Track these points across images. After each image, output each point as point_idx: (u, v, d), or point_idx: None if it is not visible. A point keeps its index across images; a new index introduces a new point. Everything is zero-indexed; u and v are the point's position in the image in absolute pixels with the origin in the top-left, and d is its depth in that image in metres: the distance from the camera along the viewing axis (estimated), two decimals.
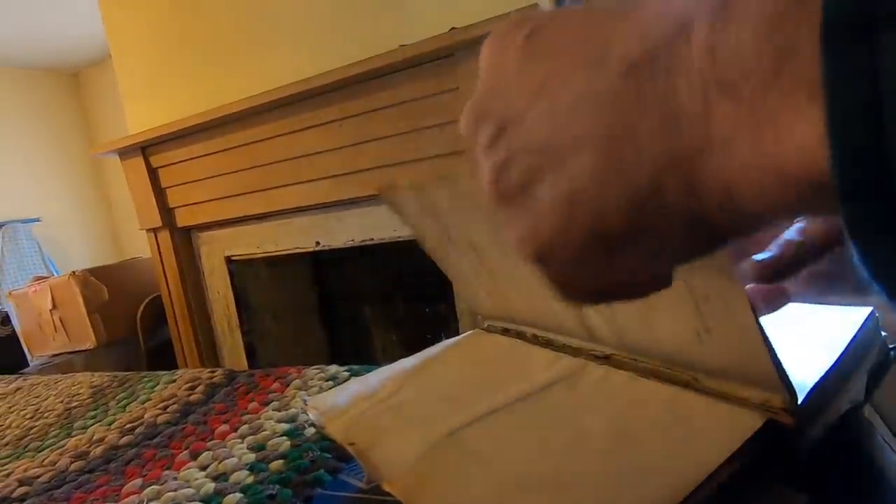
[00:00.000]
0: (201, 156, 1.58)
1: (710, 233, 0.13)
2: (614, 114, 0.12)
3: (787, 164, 0.10)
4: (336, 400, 0.40)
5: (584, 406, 0.29)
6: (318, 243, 1.55)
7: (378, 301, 1.85)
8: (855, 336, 0.30)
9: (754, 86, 0.10)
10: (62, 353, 1.88)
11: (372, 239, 1.45)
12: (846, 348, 0.30)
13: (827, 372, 0.28)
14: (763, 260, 0.25)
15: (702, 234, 0.13)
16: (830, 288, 0.29)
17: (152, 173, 1.68)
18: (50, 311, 1.86)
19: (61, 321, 1.86)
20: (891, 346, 0.36)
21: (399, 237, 1.39)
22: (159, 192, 1.70)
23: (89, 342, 1.82)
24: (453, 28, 1.11)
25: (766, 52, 0.10)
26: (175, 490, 0.38)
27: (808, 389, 0.26)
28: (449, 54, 1.14)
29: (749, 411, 0.24)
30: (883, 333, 0.35)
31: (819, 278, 0.28)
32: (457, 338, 0.46)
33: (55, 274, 2.64)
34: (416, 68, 1.19)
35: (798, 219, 0.25)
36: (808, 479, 0.27)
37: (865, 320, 0.32)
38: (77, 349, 1.85)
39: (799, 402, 0.25)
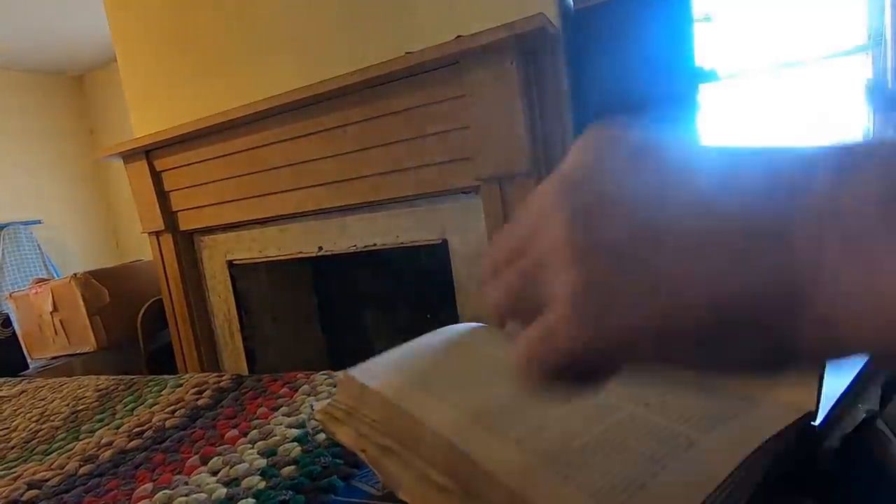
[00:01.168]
0: (205, 160, 1.58)
1: (789, 355, 0.14)
2: (730, 232, 0.13)
3: (889, 301, 0.11)
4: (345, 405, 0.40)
5: (610, 390, 0.29)
6: (320, 248, 1.55)
7: (379, 307, 1.85)
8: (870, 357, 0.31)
9: (870, 231, 0.11)
10: (62, 355, 1.88)
11: (374, 245, 1.45)
12: (861, 369, 0.30)
13: (842, 394, 0.28)
14: None
15: (781, 354, 0.14)
16: None
17: (156, 177, 1.68)
18: (50, 313, 1.85)
19: (62, 323, 1.85)
20: None
21: (402, 243, 1.40)
22: (162, 196, 1.70)
23: (89, 345, 1.81)
24: (459, 36, 1.12)
25: (880, 200, 0.11)
26: (187, 495, 0.38)
27: (825, 410, 0.27)
28: (454, 62, 1.15)
29: (774, 411, 0.24)
30: None
31: None
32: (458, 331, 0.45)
33: (56, 276, 2.63)
34: (421, 76, 1.20)
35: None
36: (824, 488, 0.27)
37: None
38: (77, 352, 1.85)
39: (817, 422, 0.26)
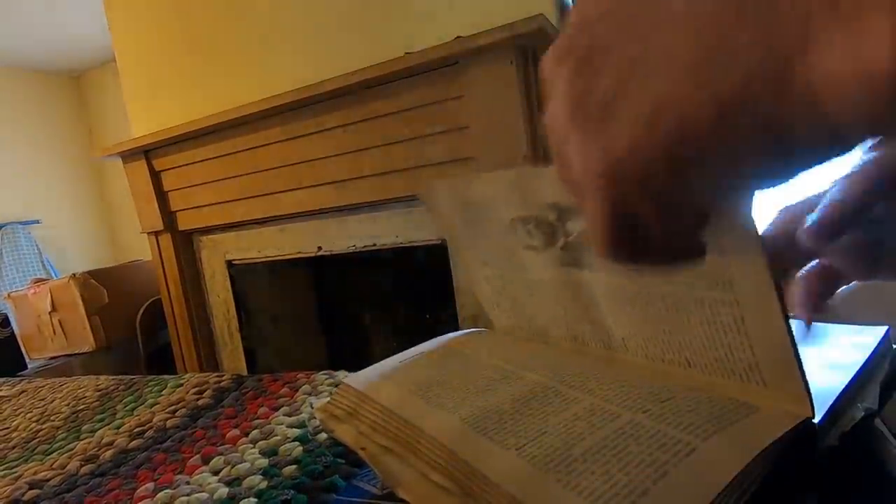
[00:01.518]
0: (204, 160, 1.58)
1: (788, 150, 0.13)
2: (712, 26, 0.13)
3: (873, 66, 0.11)
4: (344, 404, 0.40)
5: (610, 397, 0.29)
6: (319, 248, 1.55)
7: (379, 307, 1.85)
8: (870, 356, 0.31)
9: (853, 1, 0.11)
10: (60, 355, 1.88)
11: (374, 245, 1.45)
12: (861, 368, 0.30)
13: (841, 392, 0.28)
14: (813, 224, 0.25)
15: (778, 150, 0.13)
16: (873, 265, 0.28)
17: (155, 176, 1.68)
18: (49, 313, 1.85)
19: (60, 323, 1.85)
20: None
21: (401, 243, 1.40)
22: (161, 196, 1.70)
23: (88, 345, 1.81)
24: (459, 37, 1.13)
25: None
26: (188, 494, 0.38)
27: (825, 408, 0.27)
28: (454, 62, 1.15)
29: (772, 418, 0.25)
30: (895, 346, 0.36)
31: (860, 253, 0.28)
32: (458, 335, 0.46)
33: (54, 276, 2.63)
34: (421, 76, 1.20)
35: (869, 145, 0.24)
36: (822, 486, 0.27)
37: (881, 340, 0.32)
38: (76, 352, 1.84)
39: (816, 420, 0.26)
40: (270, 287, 1.81)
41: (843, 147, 0.13)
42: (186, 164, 1.62)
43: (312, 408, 0.51)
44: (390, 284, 1.79)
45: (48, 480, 0.45)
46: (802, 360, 0.24)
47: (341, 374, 0.57)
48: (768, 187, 0.16)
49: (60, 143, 3.12)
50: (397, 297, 1.80)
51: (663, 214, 0.16)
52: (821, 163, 0.14)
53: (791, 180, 0.15)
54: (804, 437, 0.25)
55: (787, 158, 0.14)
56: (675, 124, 0.14)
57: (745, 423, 0.25)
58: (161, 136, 1.57)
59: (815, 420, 0.26)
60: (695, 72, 0.13)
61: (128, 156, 1.70)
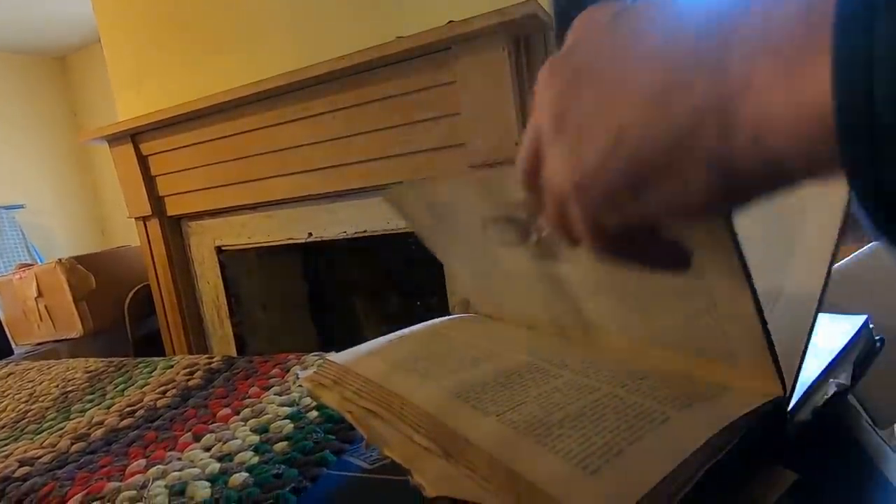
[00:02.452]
0: (193, 144, 1.57)
1: (732, 182, 0.15)
2: (671, 63, 0.15)
3: (813, 105, 0.12)
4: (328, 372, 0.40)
5: (589, 373, 0.30)
6: (309, 235, 1.55)
7: (369, 294, 1.85)
8: (847, 343, 0.33)
9: (793, 47, 0.13)
10: (48, 341, 1.86)
11: (365, 231, 1.45)
12: (838, 354, 0.32)
13: (818, 376, 0.30)
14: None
15: (724, 182, 0.15)
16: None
17: (142, 161, 1.66)
18: (35, 298, 1.83)
19: (47, 309, 1.83)
20: (877, 338, 0.38)
21: (392, 230, 1.40)
22: (149, 180, 1.68)
23: (75, 331, 1.80)
24: (451, 21, 1.12)
25: (802, 22, 0.13)
26: (180, 470, 0.39)
27: (800, 390, 0.28)
28: (446, 48, 1.15)
29: (744, 395, 0.26)
30: (871, 326, 0.37)
31: None
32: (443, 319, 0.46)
33: (39, 261, 2.59)
34: (412, 61, 1.20)
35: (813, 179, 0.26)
36: (797, 458, 0.28)
37: (859, 328, 0.34)
38: (63, 338, 1.83)
39: (792, 400, 0.27)
40: (260, 274, 1.80)
41: (787, 183, 0.15)
42: (174, 149, 1.60)
43: (298, 377, 0.51)
44: (381, 271, 1.80)
45: (39, 458, 0.45)
46: (774, 343, 0.25)
47: (331, 356, 0.57)
48: (720, 213, 0.18)
49: (44, 126, 3.05)
50: (388, 283, 1.80)
51: (629, 226, 0.18)
52: (766, 196, 0.15)
53: (742, 208, 0.17)
54: (775, 413, 0.26)
55: (733, 189, 0.15)
56: (634, 149, 0.16)
57: (719, 399, 0.26)
58: (148, 120, 1.55)
59: (790, 400, 0.27)
60: (653, 104, 0.15)
61: (114, 139, 1.67)
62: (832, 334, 0.35)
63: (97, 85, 2.95)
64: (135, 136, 1.64)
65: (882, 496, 0.28)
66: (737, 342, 0.27)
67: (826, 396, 0.31)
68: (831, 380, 0.32)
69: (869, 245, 0.59)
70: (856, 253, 0.60)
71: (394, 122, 1.27)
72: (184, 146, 1.58)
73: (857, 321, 0.36)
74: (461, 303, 1.28)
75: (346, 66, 1.23)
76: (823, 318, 0.37)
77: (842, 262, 0.60)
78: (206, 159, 1.57)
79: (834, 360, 0.33)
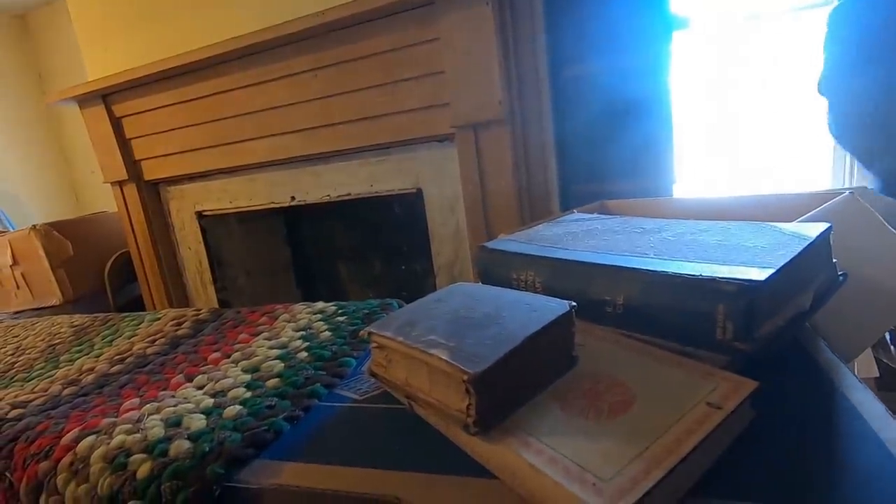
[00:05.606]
0: (169, 105, 1.52)
1: None
2: None
3: None
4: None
5: None
6: (293, 198, 1.53)
7: (354, 258, 1.85)
8: (810, 243, 0.35)
9: None
10: (26, 309, 1.83)
11: (348, 194, 1.44)
12: (804, 248, 0.34)
13: (784, 264, 0.32)
14: None
15: None
16: None
17: (115, 123, 1.61)
18: (10, 266, 1.79)
19: (23, 277, 1.79)
20: (840, 273, 0.40)
21: (376, 192, 1.39)
22: (124, 144, 1.63)
23: (55, 298, 1.77)
24: None
25: None
26: (175, 405, 0.40)
27: (769, 274, 0.30)
28: (428, 3, 1.12)
29: None
30: (834, 260, 0.40)
31: None
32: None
33: (10, 228, 2.52)
34: (395, 17, 1.17)
35: None
36: (758, 369, 0.30)
37: (821, 233, 0.36)
38: (42, 305, 1.80)
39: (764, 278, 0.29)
40: (244, 239, 1.78)
41: None
42: (149, 110, 1.55)
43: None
44: (366, 234, 1.79)
45: (32, 401, 0.45)
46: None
47: (320, 304, 0.58)
48: None
49: (8, 88, 2.91)
50: (373, 247, 1.80)
51: None
52: None
53: None
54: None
55: None
56: None
57: None
58: (119, 79, 1.49)
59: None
60: None
61: (84, 101, 1.61)
62: (794, 236, 0.37)
63: (63, 44, 2.81)
64: (106, 96, 1.58)
65: (832, 404, 0.30)
66: None
67: (787, 317, 0.33)
68: (791, 303, 0.34)
69: (843, 194, 0.61)
70: (827, 203, 0.62)
71: (377, 81, 1.25)
72: (159, 107, 1.53)
73: (818, 227, 0.38)
74: (446, 266, 1.29)
75: (325, 22, 1.19)
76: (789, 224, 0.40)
77: (814, 210, 0.62)
78: (182, 121, 1.52)
79: (797, 255, 0.34)
